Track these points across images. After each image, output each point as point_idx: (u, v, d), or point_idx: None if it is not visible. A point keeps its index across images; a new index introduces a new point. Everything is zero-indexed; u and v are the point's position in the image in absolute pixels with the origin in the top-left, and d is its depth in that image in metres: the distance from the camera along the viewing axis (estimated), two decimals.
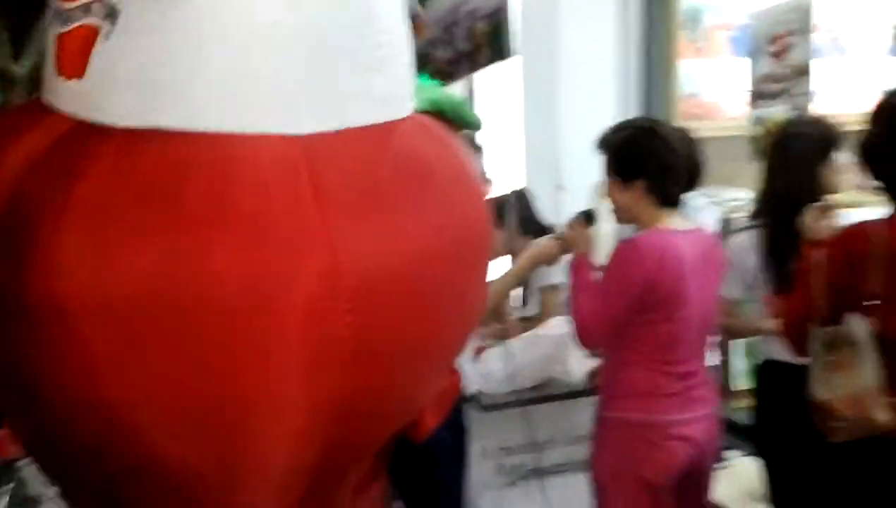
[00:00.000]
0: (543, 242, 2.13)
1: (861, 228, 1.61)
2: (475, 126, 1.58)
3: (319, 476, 1.26)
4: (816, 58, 4.33)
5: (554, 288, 2.66)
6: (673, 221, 1.90)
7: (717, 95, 4.28)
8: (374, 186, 1.10)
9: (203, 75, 1.01)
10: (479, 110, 4.52)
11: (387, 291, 1.10)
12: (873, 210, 1.83)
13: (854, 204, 2.14)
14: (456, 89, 3.95)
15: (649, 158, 1.85)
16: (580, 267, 1.94)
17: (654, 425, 1.86)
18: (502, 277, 2.13)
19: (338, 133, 1.07)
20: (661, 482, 1.87)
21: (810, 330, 1.64)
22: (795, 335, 1.74)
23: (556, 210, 3.83)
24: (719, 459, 3.05)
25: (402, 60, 1.21)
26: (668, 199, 1.88)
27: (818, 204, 1.83)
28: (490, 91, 4.30)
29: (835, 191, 2.03)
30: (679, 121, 4.18)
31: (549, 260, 2.12)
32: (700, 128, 4.09)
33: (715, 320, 1.99)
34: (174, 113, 1.00)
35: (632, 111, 4.14)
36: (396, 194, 1.12)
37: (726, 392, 3.19)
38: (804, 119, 2.41)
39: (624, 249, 1.86)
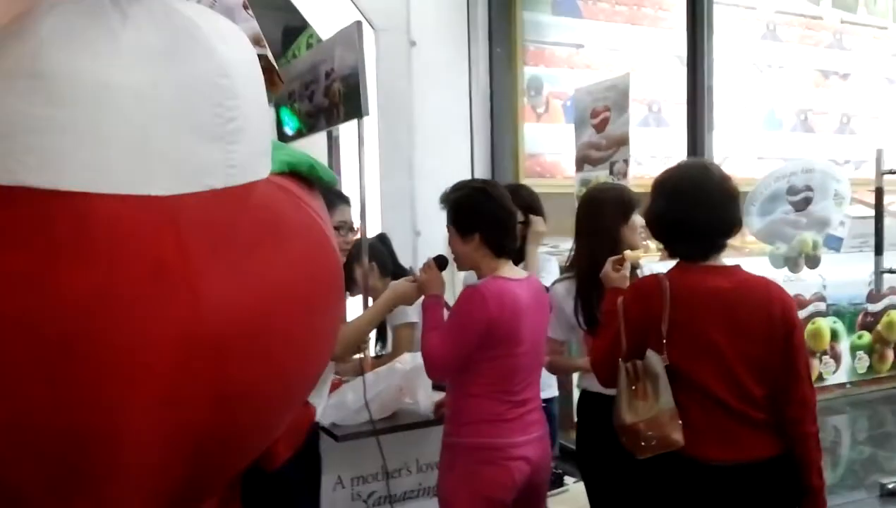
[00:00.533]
0: (401, 284, 2.31)
1: (653, 278, 1.91)
2: (330, 183, 1.74)
3: (177, 505, 1.39)
4: (642, 126, 5.01)
5: (408, 325, 2.88)
6: (508, 270, 2.17)
7: (556, 156, 4.76)
8: (232, 239, 1.28)
9: (67, 142, 1.14)
10: (342, 162, 4.77)
11: (246, 332, 1.27)
12: (666, 262, 2.20)
13: (651, 256, 2.52)
14: (319, 143, 4.19)
15: (484, 215, 2.13)
16: (432, 307, 2.17)
17: (496, 447, 2.06)
18: (363, 315, 2.34)
19: (198, 194, 1.25)
20: (502, 497, 2.07)
21: (617, 364, 1.91)
22: (602, 369, 2.02)
23: (413, 254, 4.14)
24: (553, 479, 3.39)
25: (258, 131, 1.40)
26: (502, 251, 2.16)
27: (614, 257, 2.14)
28: (350, 145, 4.56)
29: (634, 246, 2.36)
30: (523, 178, 4.63)
31: (407, 300, 2.33)
32: (541, 185, 4.60)
33: (543, 355, 2.26)
34: (38, 173, 1.13)
35: (481, 166, 4.54)
36: (252, 246, 1.31)
37: (567, 422, 3.51)
38: (608, 185, 2.81)
39: (468, 294, 2.07)
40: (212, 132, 1.26)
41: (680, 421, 1.84)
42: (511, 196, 2.69)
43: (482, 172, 4.49)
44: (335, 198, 2.38)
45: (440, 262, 2.23)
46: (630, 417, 1.84)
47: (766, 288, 1.91)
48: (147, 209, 1.16)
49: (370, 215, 4.28)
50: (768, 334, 1.85)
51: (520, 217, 2.63)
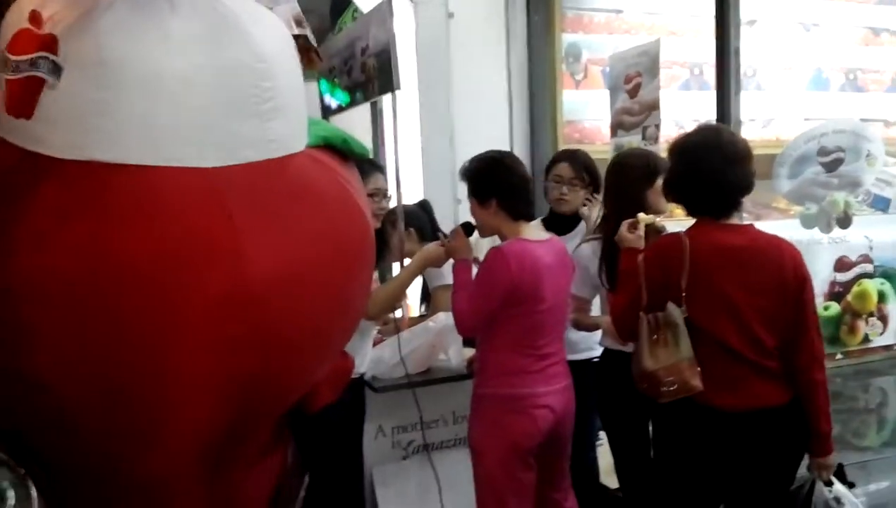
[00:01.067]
0: (431, 247, 2.45)
1: (674, 237, 2.01)
2: (362, 154, 1.90)
3: (222, 446, 1.57)
4: (683, 89, 5.00)
5: (445, 287, 3.01)
6: (529, 232, 2.30)
7: (595, 122, 4.81)
8: (271, 205, 1.46)
9: (126, 120, 1.31)
10: (385, 134, 4.92)
11: (284, 290, 1.45)
12: (684, 222, 2.29)
13: (674, 218, 2.60)
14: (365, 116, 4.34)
15: (498, 182, 2.26)
16: (460, 270, 2.33)
17: (521, 397, 2.20)
18: (396, 277, 2.51)
19: (239, 166, 1.42)
20: (527, 445, 2.20)
21: (638, 318, 2.02)
22: (622, 324, 2.14)
23: (455, 220, 4.27)
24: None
25: (294, 109, 1.56)
26: (519, 214, 2.28)
27: (629, 220, 2.24)
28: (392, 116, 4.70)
29: (659, 210, 2.45)
30: (561, 145, 4.70)
31: (437, 263, 2.49)
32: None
33: (566, 312, 2.39)
34: (106, 149, 1.32)
35: (520, 134, 4.64)
36: (289, 211, 1.48)
37: None
38: (634, 150, 2.87)
39: (492, 256, 2.20)
40: (250, 110, 1.44)
41: (698, 369, 1.96)
42: (580, 162, 2.82)
43: (521, 140, 4.59)
44: (369, 167, 2.54)
45: (467, 228, 2.38)
46: (651, 364, 1.95)
47: (777, 245, 2.02)
48: (195, 179, 1.35)
49: (413, 184, 4.47)
50: (780, 288, 1.97)
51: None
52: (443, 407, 2.77)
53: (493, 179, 2.28)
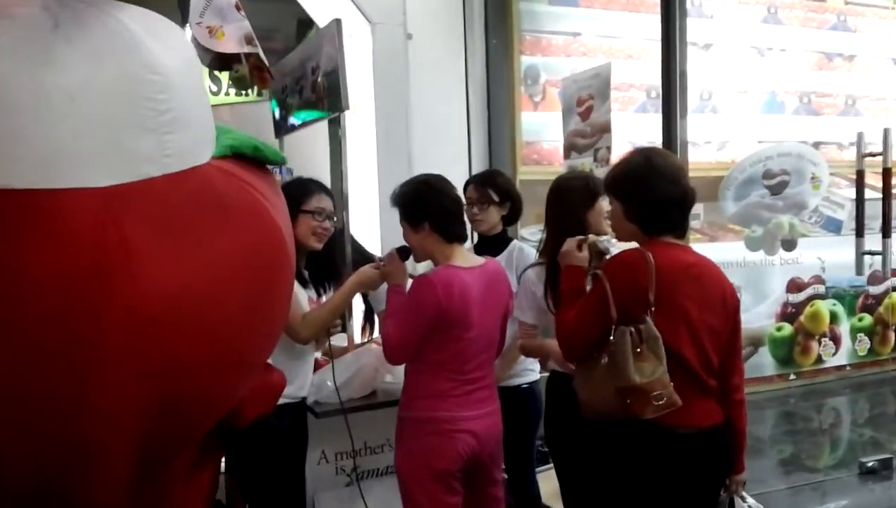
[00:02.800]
0: (366, 270, 2.46)
1: (637, 252, 1.99)
2: (276, 161, 1.85)
3: (144, 466, 1.53)
4: (640, 112, 5.06)
5: None
6: (462, 257, 2.29)
7: (553, 144, 4.83)
8: (171, 222, 1.41)
9: (13, 144, 1.26)
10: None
11: (185, 309, 1.40)
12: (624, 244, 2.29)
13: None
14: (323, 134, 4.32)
15: (429, 205, 2.26)
16: (393, 296, 2.31)
17: (440, 420, 2.19)
18: (329, 299, 2.47)
19: (137, 183, 1.37)
20: (447, 468, 2.18)
21: (585, 338, 1.99)
22: (569, 342, 2.09)
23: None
24: (539, 456, 3.50)
25: (195, 121, 1.52)
26: (452, 237, 2.26)
27: (577, 237, 2.20)
28: (353, 138, 4.69)
29: (600, 231, 2.43)
30: (520, 166, 4.73)
31: (371, 286, 2.47)
32: (539, 172, 4.70)
33: (496, 337, 2.36)
34: None
35: (478, 155, 4.65)
36: (191, 227, 1.43)
37: None
38: (573, 173, 2.87)
39: (418, 283, 2.21)
40: (145, 124, 1.38)
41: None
42: (488, 182, 2.83)
43: (479, 162, 4.60)
44: (313, 186, 2.52)
45: (403, 252, 2.36)
46: (639, 378, 1.90)
47: (716, 266, 2.07)
48: (88, 199, 1.30)
49: (369, 206, 4.46)
50: (723, 307, 2.01)
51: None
52: (388, 431, 2.73)
53: (424, 203, 2.27)
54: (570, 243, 2.20)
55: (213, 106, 4.70)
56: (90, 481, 1.45)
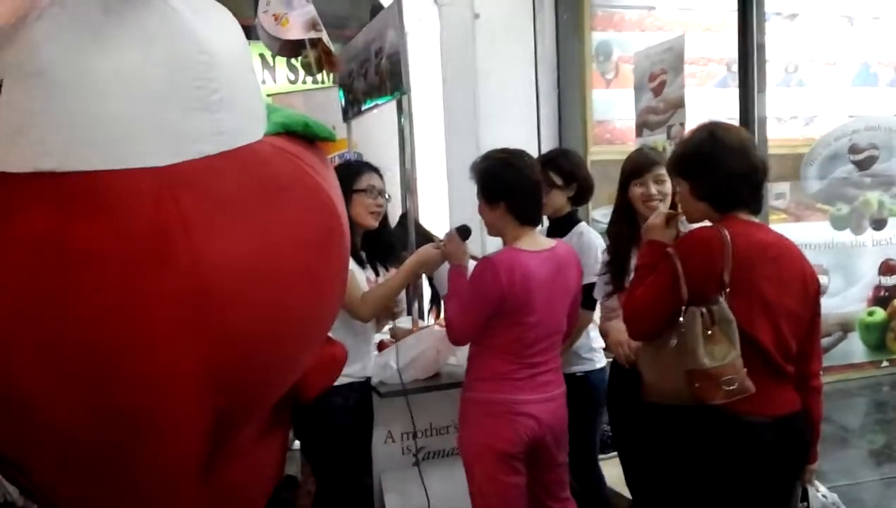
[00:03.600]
0: (426, 250, 2.41)
1: (713, 230, 1.86)
2: (326, 138, 1.85)
3: (216, 434, 1.58)
4: (720, 87, 4.85)
5: None
6: (530, 240, 2.21)
7: (626, 122, 4.68)
8: (227, 198, 1.44)
9: (69, 128, 1.32)
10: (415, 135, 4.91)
11: (242, 282, 1.43)
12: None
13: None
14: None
15: (508, 184, 2.20)
16: (454, 276, 2.28)
17: (501, 402, 2.17)
18: (389, 279, 2.48)
19: (192, 162, 1.41)
20: (509, 450, 2.15)
21: (661, 316, 1.89)
22: (643, 320, 1.99)
23: (480, 223, 4.22)
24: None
25: (245, 99, 1.55)
26: (527, 219, 2.21)
27: (668, 211, 2.11)
28: (420, 118, 4.69)
29: (639, 209, 2.37)
30: (591, 146, 4.62)
31: (432, 266, 2.45)
32: (612, 152, 4.58)
33: (561, 322, 2.30)
34: (52, 160, 1.31)
35: (548, 135, 4.57)
36: (247, 202, 1.46)
37: None
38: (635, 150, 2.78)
39: (482, 266, 2.17)
40: (196, 103, 1.43)
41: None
42: (550, 164, 2.76)
43: (549, 142, 4.51)
44: (361, 166, 2.54)
45: (463, 232, 2.34)
46: (709, 361, 1.81)
47: (796, 247, 1.96)
48: (146, 179, 1.34)
49: (436, 187, 4.45)
50: (803, 290, 1.91)
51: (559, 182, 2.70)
52: (453, 413, 2.72)
53: (504, 181, 2.22)
54: (658, 217, 2.09)
55: (286, 93, 4.86)
56: (157, 449, 1.49)
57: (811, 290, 1.92)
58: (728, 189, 1.91)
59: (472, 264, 2.32)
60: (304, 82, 6.68)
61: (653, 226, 2.07)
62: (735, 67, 4.86)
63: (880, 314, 4.61)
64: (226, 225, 1.42)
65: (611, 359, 2.57)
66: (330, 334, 2.41)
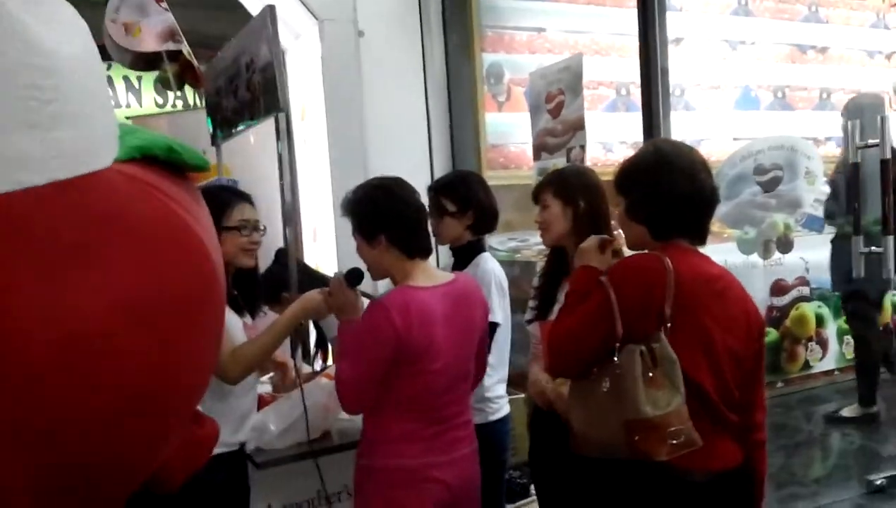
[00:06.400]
0: (311, 297, 2.06)
1: (652, 258, 1.64)
2: (197, 166, 1.52)
3: None
4: (609, 111, 4.80)
5: None
6: (423, 275, 1.93)
7: (521, 146, 4.53)
8: (57, 244, 1.06)
9: None
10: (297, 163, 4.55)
11: (76, 358, 1.05)
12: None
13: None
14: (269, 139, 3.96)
15: (385, 214, 1.91)
16: (343, 332, 1.96)
17: (410, 469, 1.86)
18: (266, 332, 2.07)
19: (14, 193, 1.03)
20: None
21: (583, 350, 1.65)
22: (565, 354, 1.72)
23: None
24: (518, 489, 3.17)
25: (91, 115, 1.19)
26: (413, 251, 1.92)
27: (602, 236, 1.88)
28: (303, 144, 4.34)
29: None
30: (486, 171, 4.41)
31: (317, 314, 2.12)
32: (505, 177, 4.39)
33: (470, 367, 2.01)
34: None
35: (441, 161, 4.32)
36: (83, 249, 1.08)
37: None
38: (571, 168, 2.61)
39: (370, 310, 1.85)
40: (24, 118, 1.05)
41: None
42: (443, 189, 2.49)
43: (442, 167, 4.27)
44: (229, 197, 2.16)
45: (353, 277, 2.00)
46: (651, 409, 1.55)
47: (737, 280, 1.74)
48: None
49: (324, 217, 4.10)
50: (746, 329, 1.69)
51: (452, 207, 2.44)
52: (346, 477, 2.37)
53: (380, 212, 1.92)
54: (591, 241, 1.85)
55: (148, 116, 4.34)
56: None
57: (755, 330, 1.71)
58: (669, 212, 1.69)
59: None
60: (175, 106, 6.17)
61: (586, 250, 1.83)
62: (624, 91, 4.92)
63: (773, 335, 4.63)
64: (52, 278, 1.03)
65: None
66: None
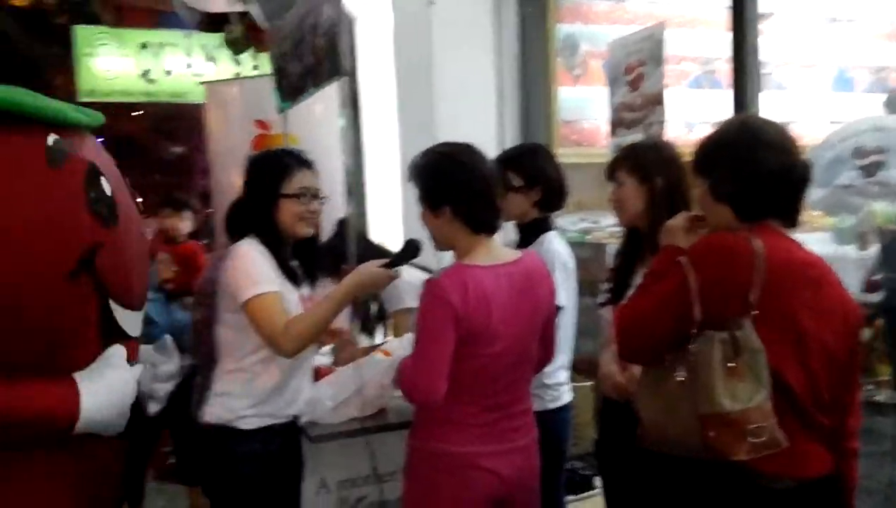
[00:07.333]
0: (368, 269, 1.96)
1: (738, 239, 1.48)
2: (74, 122, 1.47)
3: None
4: (693, 87, 4.54)
5: (407, 311, 2.59)
6: (486, 251, 1.81)
7: (595, 122, 4.34)
8: None
9: None
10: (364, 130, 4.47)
11: None
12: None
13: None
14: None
15: (452, 184, 1.78)
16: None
17: (455, 456, 1.78)
18: (320, 304, 1.99)
19: None
20: None
21: (661, 334, 1.52)
22: (634, 337, 1.59)
23: None
24: (579, 480, 3.06)
25: None
26: (480, 226, 1.81)
27: (693, 214, 1.71)
28: (370, 111, 4.26)
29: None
30: (557, 148, 4.24)
31: (375, 287, 2.02)
32: (579, 155, 4.22)
33: (532, 351, 1.88)
34: None
35: (511, 136, 4.18)
36: None
37: None
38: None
39: (426, 292, 1.74)
40: None
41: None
42: (510, 163, 2.36)
43: (512, 143, 4.12)
44: (293, 162, 2.09)
45: (410, 249, 1.91)
46: (730, 403, 1.41)
47: (833, 270, 1.57)
48: None
49: (390, 189, 4.03)
50: (842, 323, 1.52)
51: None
52: (401, 457, 2.30)
53: (448, 180, 1.80)
54: (679, 218, 1.70)
55: (219, 82, 4.30)
56: None
57: (852, 326, 1.54)
58: (758, 189, 1.52)
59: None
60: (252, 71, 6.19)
61: (672, 228, 1.68)
62: (710, 67, 4.65)
63: (865, 333, 4.33)
64: None
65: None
66: (255, 363, 2.00)
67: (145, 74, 6.61)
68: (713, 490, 1.52)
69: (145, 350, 2.74)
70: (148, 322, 3.26)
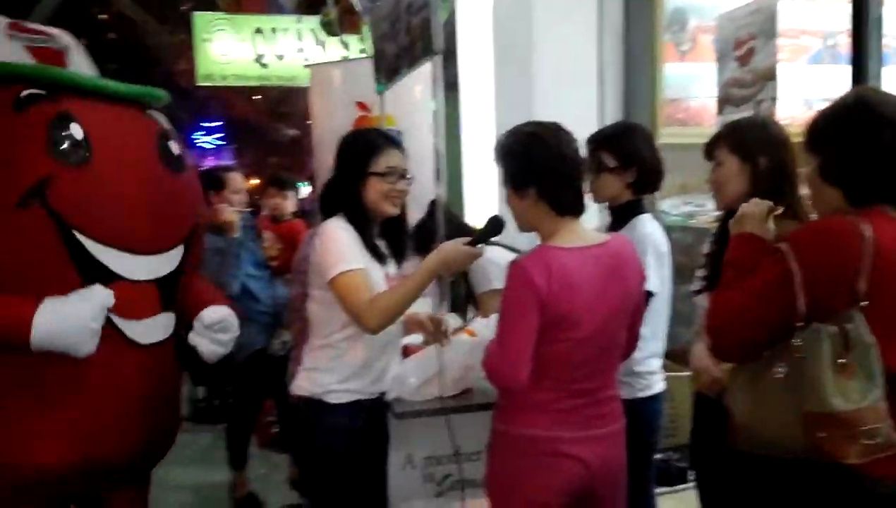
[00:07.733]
0: (451, 248, 1.96)
1: (845, 223, 1.39)
2: (67, 82, 1.80)
3: None
4: (813, 63, 4.25)
5: (495, 292, 2.57)
6: (571, 233, 1.77)
7: (703, 100, 4.14)
8: None
9: None
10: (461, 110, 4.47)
11: None
12: None
13: None
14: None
15: (537, 165, 1.74)
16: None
17: (539, 441, 1.75)
18: (402, 283, 2.01)
19: None
20: (546, 501, 1.75)
21: (757, 329, 1.44)
22: (727, 332, 1.50)
23: None
24: (675, 472, 2.96)
25: None
26: (564, 208, 1.77)
27: (766, 202, 1.63)
28: (469, 90, 4.25)
29: None
30: (662, 127, 4.08)
31: (458, 265, 2.01)
32: (685, 135, 4.04)
33: (619, 337, 1.82)
34: None
35: (611, 114, 4.05)
36: None
37: None
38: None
39: (510, 274, 1.71)
40: None
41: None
42: (604, 142, 2.29)
43: (612, 121, 4.00)
44: (382, 141, 2.11)
45: (493, 226, 1.89)
46: (842, 402, 1.33)
47: None
48: None
49: (485, 170, 4.01)
50: None
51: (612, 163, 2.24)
52: (484, 438, 2.30)
53: (532, 162, 1.76)
54: (757, 206, 1.62)
55: (322, 64, 4.40)
56: None
57: None
58: (872, 171, 1.41)
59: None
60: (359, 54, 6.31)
61: (748, 215, 1.60)
62: (831, 41, 4.32)
63: None
64: None
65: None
66: (342, 339, 2.06)
67: (259, 59, 6.86)
68: (812, 493, 1.44)
69: None
70: (252, 298, 3.45)
